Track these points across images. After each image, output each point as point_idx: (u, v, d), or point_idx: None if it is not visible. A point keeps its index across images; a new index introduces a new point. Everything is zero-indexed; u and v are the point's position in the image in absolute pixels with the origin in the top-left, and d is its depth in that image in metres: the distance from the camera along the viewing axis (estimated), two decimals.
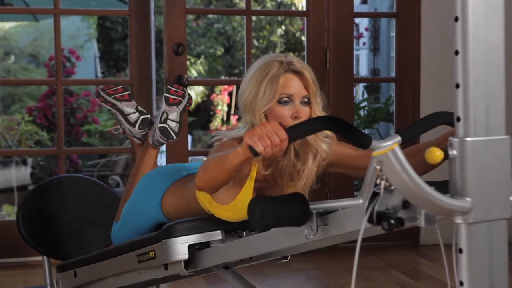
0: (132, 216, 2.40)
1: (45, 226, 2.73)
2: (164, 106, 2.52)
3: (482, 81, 1.38)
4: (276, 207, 1.75)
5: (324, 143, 2.11)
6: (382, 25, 9.30)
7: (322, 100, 2.12)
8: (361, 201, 1.61)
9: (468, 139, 1.37)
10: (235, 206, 2.07)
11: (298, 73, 2.07)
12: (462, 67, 1.37)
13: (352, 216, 1.63)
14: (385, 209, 1.47)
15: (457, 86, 1.38)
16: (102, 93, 2.59)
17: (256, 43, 12.67)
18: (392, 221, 1.44)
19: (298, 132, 1.68)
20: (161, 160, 7.43)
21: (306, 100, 2.08)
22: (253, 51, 4.57)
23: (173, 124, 2.50)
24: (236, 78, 12.28)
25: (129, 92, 2.61)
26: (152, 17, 4.20)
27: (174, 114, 2.50)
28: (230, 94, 11.99)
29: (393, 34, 6.10)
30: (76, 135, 7.11)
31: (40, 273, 3.04)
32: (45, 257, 2.69)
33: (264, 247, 1.95)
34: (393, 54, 4.91)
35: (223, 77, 13.13)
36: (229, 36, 13.35)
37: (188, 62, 11.26)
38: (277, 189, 2.14)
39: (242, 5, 4.16)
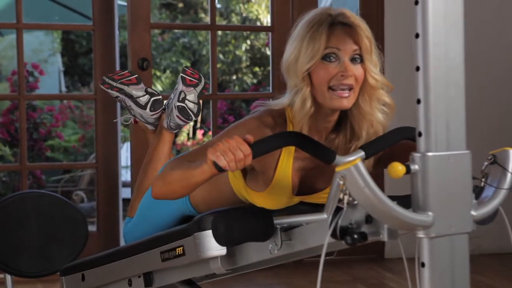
0: (152, 210, 2.18)
1: (7, 243, 2.69)
2: (181, 86, 2.38)
3: (442, 97, 1.40)
4: (241, 221, 1.76)
5: (380, 112, 1.87)
6: None
7: (380, 61, 1.88)
8: (325, 216, 1.62)
9: (430, 154, 1.39)
10: (272, 191, 1.85)
11: (348, 26, 1.82)
12: (423, 83, 1.39)
13: (316, 231, 1.64)
14: (348, 224, 1.48)
15: (418, 101, 1.40)
16: (107, 79, 2.46)
17: (222, 57, 12.69)
18: (355, 236, 1.45)
19: (262, 147, 1.68)
20: (126, 175, 7.25)
21: (357, 57, 1.82)
22: (218, 66, 4.57)
23: (191, 105, 2.35)
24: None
25: (136, 75, 2.48)
26: (117, 31, 4.18)
27: (192, 95, 2.37)
28: None
29: None
30: (39, 150, 7.04)
31: None
32: (7, 275, 2.65)
33: None
34: None
35: None
36: (195, 50, 13.35)
37: (153, 77, 11.22)
38: (324, 168, 1.86)
39: (208, 20, 4.17)
